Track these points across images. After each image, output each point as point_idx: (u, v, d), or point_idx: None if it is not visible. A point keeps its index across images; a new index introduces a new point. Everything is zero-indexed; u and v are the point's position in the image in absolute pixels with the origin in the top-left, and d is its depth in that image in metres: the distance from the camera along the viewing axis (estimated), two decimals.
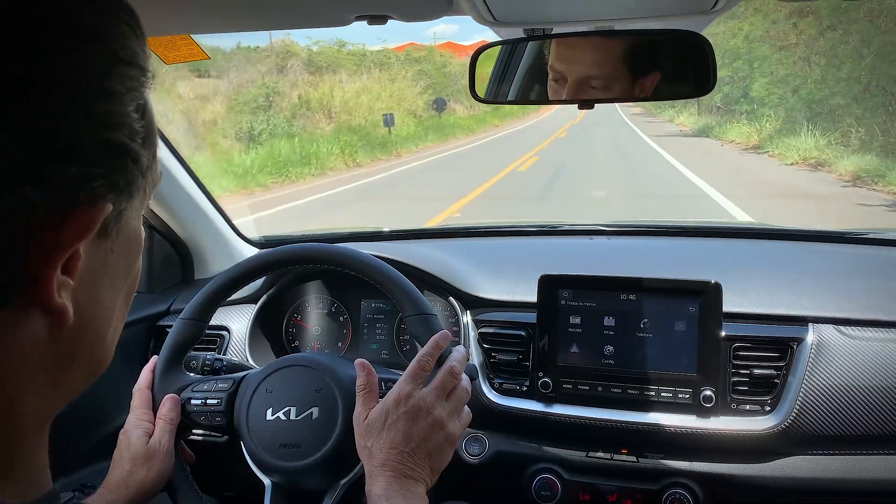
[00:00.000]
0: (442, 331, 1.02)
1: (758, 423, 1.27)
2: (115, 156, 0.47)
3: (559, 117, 33.84)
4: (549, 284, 1.38)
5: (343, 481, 1.08)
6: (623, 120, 30.76)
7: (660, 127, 26.34)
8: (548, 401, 1.38)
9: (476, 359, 1.43)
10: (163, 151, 1.53)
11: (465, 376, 1.00)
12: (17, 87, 0.42)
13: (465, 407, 1.00)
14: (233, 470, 1.23)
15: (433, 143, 22.68)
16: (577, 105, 1.12)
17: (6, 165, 0.41)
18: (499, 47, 1.21)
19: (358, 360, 1.02)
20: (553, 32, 1.07)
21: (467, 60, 1.13)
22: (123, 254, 0.53)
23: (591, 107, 1.08)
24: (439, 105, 28.55)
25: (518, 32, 1.08)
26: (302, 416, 1.06)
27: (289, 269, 1.50)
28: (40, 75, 0.42)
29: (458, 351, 1.02)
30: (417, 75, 32.35)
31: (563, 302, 1.37)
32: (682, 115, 29.86)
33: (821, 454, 1.29)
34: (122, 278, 0.54)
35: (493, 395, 1.41)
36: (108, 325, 0.54)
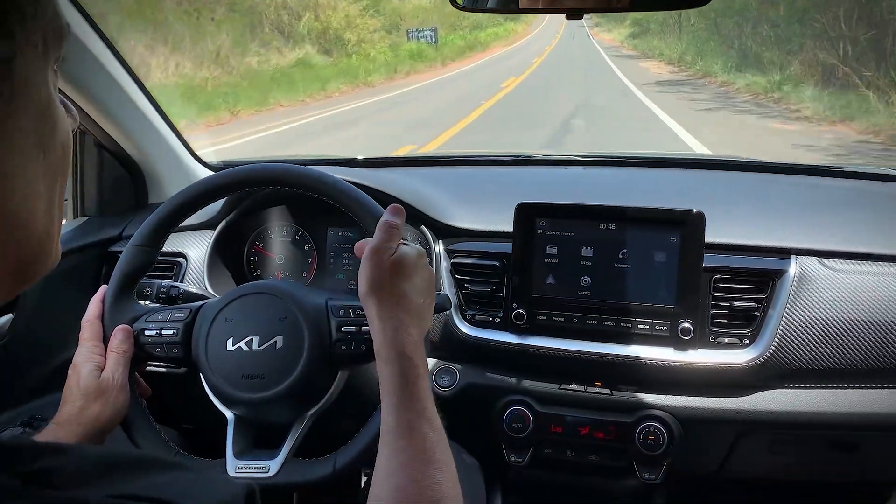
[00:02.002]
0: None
1: (736, 357, 1.25)
2: None
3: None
4: (526, 213, 1.32)
5: (310, 412, 1.03)
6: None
7: None
8: (521, 332, 1.33)
9: (448, 290, 1.38)
10: (114, 67, 1.41)
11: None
12: None
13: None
14: (192, 402, 1.17)
15: None
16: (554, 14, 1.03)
17: None
18: None
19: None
20: None
21: None
22: (33, 121, 0.46)
23: (579, 17, 0.99)
24: None
25: None
26: (265, 345, 1.00)
27: (245, 192, 1.42)
28: None
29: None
30: None
31: (539, 231, 1.31)
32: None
33: (797, 388, 1.27)
34: (39, 151, 0.47)
35: (465, 327, 1.36)
36: (34, 212, 0.47)
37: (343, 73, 17.65)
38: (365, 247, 0.92)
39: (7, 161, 0.44)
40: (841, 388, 1.26)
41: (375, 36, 23.82)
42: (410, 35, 24.30)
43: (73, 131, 0.54)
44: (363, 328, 0.99)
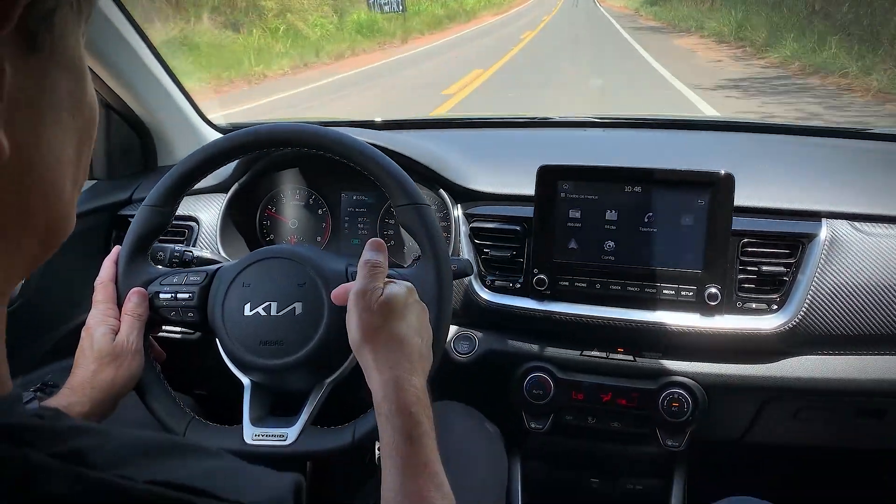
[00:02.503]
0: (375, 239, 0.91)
1: (764, 323, 1.21)
2: None
3: None
4: (548, 176, 1.27)
5: (329, 380, 1.00)
6: None
7: None
8: (542, 298, 1.30)
9: (468, 255, 1.34)
10: (124, 26, 1.36)
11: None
12: None
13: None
14: (206, 368, 1.15)
15: None
16: None
17: None
18: None
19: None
20: None
21: None
22: (66, 80, 0.43)
23: None
24: None
25: None
26: (284, 311, 0.97)
27: (263, 153, 1.38)
28: None
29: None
30: None
31: (562, 195, 1.27)
32: None
33: (826, 354, 1.24)
34: (70, 113, 0.44)
35: (484, 293, 1.33)
36: (63, 176, 0.44)
37: (216, 63, 11.27)
38: (347, 292, 0.87)
39: (42, 120, 0.42)
40: (871, 355, 1.23)
41: (308, 3, 16.64)
42: (372, 2, 16.30)
43: None
44: None
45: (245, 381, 1.01)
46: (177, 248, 1.15)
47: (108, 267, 1.01)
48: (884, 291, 1.19)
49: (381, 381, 0.79)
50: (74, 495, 0.36)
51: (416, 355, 0.82)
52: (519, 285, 1.32)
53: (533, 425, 1.34)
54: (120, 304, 0.98)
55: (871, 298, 1.20)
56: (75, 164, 0.46)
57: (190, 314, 1.01)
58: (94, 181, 1.51)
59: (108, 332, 0.94)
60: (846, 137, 1.62)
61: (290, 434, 0.96)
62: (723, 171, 1.20)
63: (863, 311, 1.20)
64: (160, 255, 1.12)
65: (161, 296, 1.01)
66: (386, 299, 0.83)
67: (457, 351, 1.33)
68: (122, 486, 0.38)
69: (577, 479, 1.48)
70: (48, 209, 0.44)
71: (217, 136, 1.65)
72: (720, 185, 1.20)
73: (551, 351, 1.32)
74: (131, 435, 0.42)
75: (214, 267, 1.05)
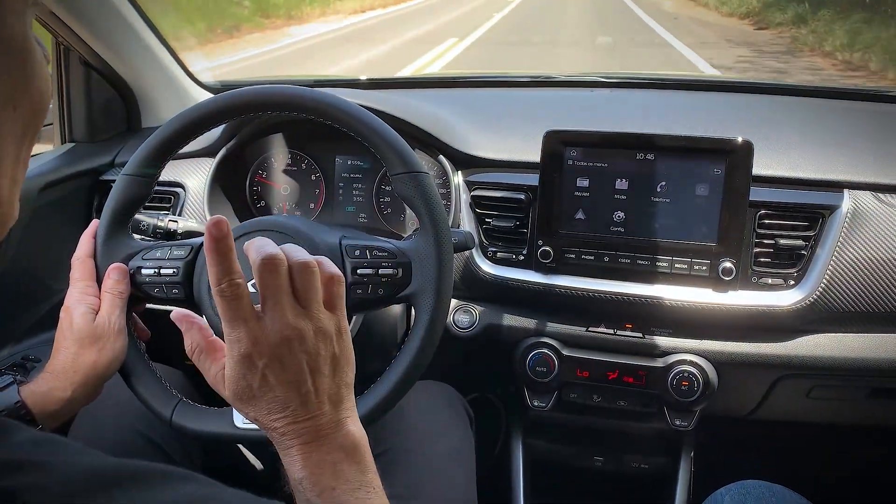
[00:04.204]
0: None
1: (780, 299, 1.16)
2: None
3: None
4: (555, 141, 1.20)
5: None
6: None
7: None
8: (547, 271, 1.24)
9: (468, 225, 1.27)
10: None
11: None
12: None
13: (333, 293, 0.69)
14: None
15: None
16: None
17: None
18: None
19: (175, 312, 0.75)
20: None
21: None
22: (6, 67, 0.38)
23: None
24: None
25: None
26: None
27: (249, 117, 1.29)
28: None
29: (257, 243, 0.69)
30: None
31: (570, 162, 1.20)
32: None
33: (843, 332, 1.18)
34: (7, 105, 0.38)
35: (485, 265, 1.27)
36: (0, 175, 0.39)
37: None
38: (184, 317, 0.73)
39: None
40: (890, 334, 1.17)
41: None
42: None
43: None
44: (380, 270, 0.89)
45: None
46: (160, 216, 1.08)
47: (85, 242, 0.94)
48: None
49: (287, 462, 0.63)
50: None
51: (321, 401, 0.63)
52: (522, 257, 1.26)
53: (536, 403, 1.29)
54: (99, 282, 0.92)
55: (894, 275, 1.14)
56: (14, 160, 0.41)
57: (174, 291, 0.95)
58: (73, 144, 1.43)
59: (87, 311, 0.88)
60: (869, 100, 1.54)
61: None
62: (741, 139, 1.13)
63: (885, 289, 1.14)
64: (143, 227, 1.06)
65: (143, 271, 0.94)
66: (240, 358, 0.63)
67: (456, 325, 1.27)
68: None
69: (581, 458, 1.44)
70: None
71: (205, 95, 1.56)
72: (738, 153, 1.13)
73: (555, 326, 1.27)
74: (81, 465, 0.36)
75: (199, 240, 0.98)
